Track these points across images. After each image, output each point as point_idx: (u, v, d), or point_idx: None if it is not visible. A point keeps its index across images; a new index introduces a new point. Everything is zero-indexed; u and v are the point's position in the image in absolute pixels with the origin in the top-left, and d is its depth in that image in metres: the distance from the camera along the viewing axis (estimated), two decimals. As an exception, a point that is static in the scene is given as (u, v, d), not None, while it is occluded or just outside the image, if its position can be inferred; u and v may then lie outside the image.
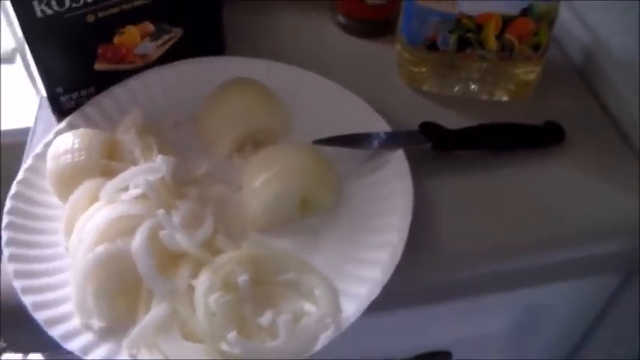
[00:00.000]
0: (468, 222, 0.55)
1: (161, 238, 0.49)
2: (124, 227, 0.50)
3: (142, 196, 0.52)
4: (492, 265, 0.54)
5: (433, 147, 0.57)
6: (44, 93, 0.61)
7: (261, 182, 0.53)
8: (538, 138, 0.59)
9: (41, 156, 0.57)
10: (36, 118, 0.63)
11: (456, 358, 0.65)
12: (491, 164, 0.58)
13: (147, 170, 0.52)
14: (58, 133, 0.58)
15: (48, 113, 0.62)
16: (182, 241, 0.49)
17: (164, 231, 0.49)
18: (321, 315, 0.47)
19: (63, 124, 0.59)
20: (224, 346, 0.45)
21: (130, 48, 0.60)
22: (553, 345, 0.69)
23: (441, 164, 0.58)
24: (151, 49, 0.61)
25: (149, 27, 0.60)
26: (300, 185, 0.53)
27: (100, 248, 0.48)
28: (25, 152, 0.60)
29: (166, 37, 0.61)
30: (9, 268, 0.50)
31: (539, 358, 0.71)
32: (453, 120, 0.59)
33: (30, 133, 0.61)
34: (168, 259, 0.50)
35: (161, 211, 0.50)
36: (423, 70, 0.62)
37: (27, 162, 0.57)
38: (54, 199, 0.56)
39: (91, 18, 0.56)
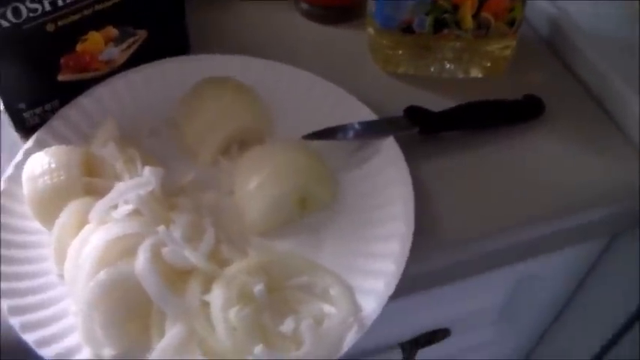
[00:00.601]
0: (464, 202, 0.55)
1: (164, 255, 0.47)
2: (123, 248, 0.47)
3: (134, 213, 0.50)
4: (492, 243, 0.55)
5: (420, 131, 0.57)
6: (3, 110, 0.56)
7: (256, 185, 0.51)
8: (519, 113, 0.60)
9: (13, 178, 0.53)
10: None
11: (454, 333, 0.66)
12: (477, 143, 0.59)
13: (137, 185, 0.50)
14: (28, 152, 0.54)
15: (10, 132, 0.58)
16: (190, 256, 0.47)
17: (166, 248, 0.47)
18: (342, 315, 0.46)
19: (30, 142, 0.55)
20: (250, 360, 0.44)
21: (94, 55, 0.56)
22: (542, 312, 0.71)
23: (428, 147, 0.58)
24: (116, 54, 0.58)
25: (112, 31, 0.56)
26: (296, 184, 0.52)
27: (102, 274, 0.45)
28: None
29: (131, 40, 0.58)
30: (2, 305, 0.47)
31: (528, 326, 0.73)
32: (432, 101, 0.59)
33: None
34: (173, 277, 0.47)
35: (161, 228, 0.47)
36: (399, 52, 0.62)
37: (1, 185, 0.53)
38: (34, 224, 0.52)
39: (50, 27, 0.52)
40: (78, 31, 0.54)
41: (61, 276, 0.49)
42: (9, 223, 0.51)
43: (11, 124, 0.57)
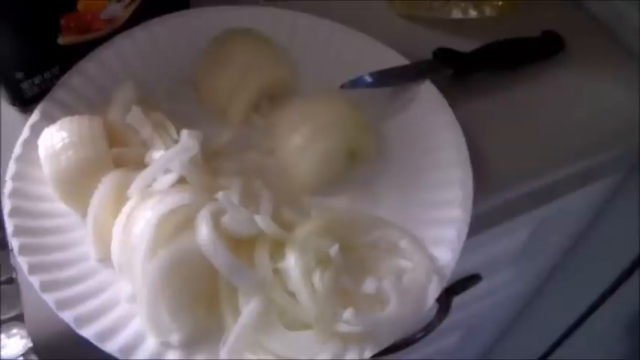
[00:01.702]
0: (505, 143, 0.54)
1: (226, 223, 0.42)
2: (178, 222, 0.42)
3: (178, 182, 0.45)
4: (536, 181, 0.54)
5: (455, 73, 0.55)
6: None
7: (304, 140, 0.48)
8: (542, 49, 0.59)
9: (23, 158, 0.47)
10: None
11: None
12: (505, 82, 0.57)
13: (180, 151, 0.45)
14: (35, 127, 0.48)
15: (5, 106, 0.50)
16: (259, 220, 0.42)
17: (226, 215, 0.43)
18: (421, 268, 0.44)
19: (36, 115, 0.48)
20: (340, 327, 0.41)
21: (95, 13, 0.50)
22: (557, 249, 0.72)
23: (460, 89, 0.55)
24: (118, 10, 0.51)
25: (115, -15, 0.50)
26: (345, 135, 0.48)
27: (163, 253, 0.40)
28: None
29: (133, -6, 0.52)
30: (48, 298, 0.41)
31: (543, 264, 0.73)
32: (450, 43, 0.57)
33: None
34: (232, 248, 0.43)
35: (221, 194, 0.43)
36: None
37: (10, 168, 0.46)
38: (56, 206, 0.46)
39: (50, -18, 0.46)
40: (79, -15, 0.48)
41: (102, 260, 0.44)
42: (28, 208, 0.45)
43: (7, 96, 0.50)
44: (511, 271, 0.73)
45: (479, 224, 0.53)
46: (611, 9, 0.61)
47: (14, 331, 1.08)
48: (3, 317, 1.03)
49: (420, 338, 0.59)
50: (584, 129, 0.56)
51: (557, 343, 0.88)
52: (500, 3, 0.60)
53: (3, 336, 1.07)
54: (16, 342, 1.12)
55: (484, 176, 0.50)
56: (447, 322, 0.59)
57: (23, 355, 1.03)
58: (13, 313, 1.06)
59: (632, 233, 0.66)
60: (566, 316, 0.82)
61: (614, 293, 0.75)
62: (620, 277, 0.71)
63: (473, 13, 0.61)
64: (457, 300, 0.62)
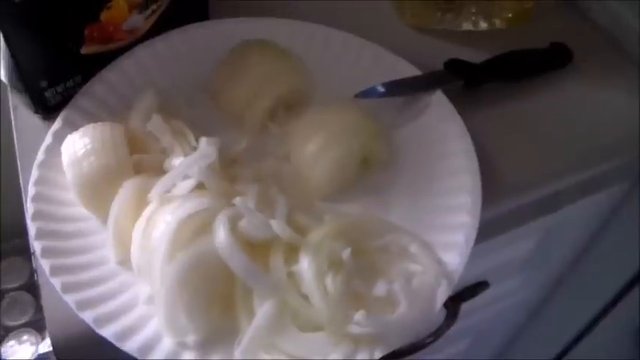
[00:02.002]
0: (513, 152, 0.55)
1: (243, 227, 0.44)
2: (196, 226, 0.44)
3: (197, 188, 0.46)
4: (544, 190, 0.55)
5: (465, 84, 0.56)
6: (18, 90, 0.51)
7: (319, 147, 0.49)
8: (550, 61, 0.60)
9: (46, 164, 0.48)
10: (13, 123, 0.53)
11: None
12: (515, 93, 0.59)
13: (199, 158, 0.46)
14: (57, 134, 0.50)
15: (27, 114, 0.52)
16: (274, 225, 0.44)
17: (244, 220, 0.44)
18: (429, 272, 0.45)
19: (58, 123, 0.50)
20: (351, 328, 0.42)
21: (117, 24, 0.52)
22: (563, 257, 0.73)
23: (470, 99, 0.57)
24: (140, 22, 0.53)
25: (137, -3, 0.52)
26: (358, 143, 0.50)
27: (183, 256, 0.42)
28: (19, 163, 0.50)
29: (154, 6, 0.53)
30: (69, 299, 0.42)
31: (548, 273, 0.74)
32: (460, 54, 0.58)
33: (14, 141, 0.51)
34: (249, 251, 0.45)
35: (238, 199, 0.44)
36: (424, 7, 0.60)
37: (33, 174, 0.48)
38: (78, 211, 0.48)
39: (75, -6, 0.48)
40: (103, -3, 0.49)
41: (122, 263, 0.46)
42: (51, 211, 0.47)
43: (31, 104, 0.51)
44: (518, 279, 0.74)
45: (487, 231, 0.54)
46: (618, 21, 0.62)
47: (25, 337, 1.10)
48: (14, 324, 1.05)
49: (429, 344, 0.60)
50: (592, 139, 0.57)
51: (566, 351, 0.88)
52: (510, 15, 0.62)
53: (14, 342, 1.09)
54: (27, 348, 1.14)
55: (492, 184, 0.52)
56: (455, 328, 0.60)
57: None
58: (24, 320, 1.08)
59: (638, 242, 0.67)
60: (574, 322, 0.82)
61: (622, 301, 0.75)
62: (627, 285, 0.72)
63: (483, 25, 0.62)
64: (465, 306, 0.63)
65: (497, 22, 0.62)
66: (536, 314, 0.87)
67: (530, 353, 0.95)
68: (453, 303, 0.63)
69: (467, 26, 0.62)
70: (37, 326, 1.09)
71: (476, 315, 0.75)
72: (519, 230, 0.60)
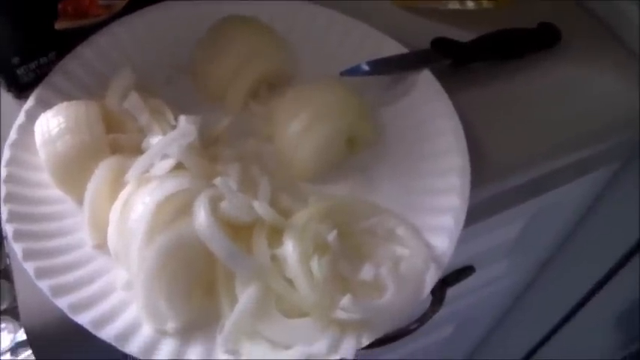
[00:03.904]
0: (502, 132, 0.54)
1: (225, 209, 0.42)
2: (176, 207, 0.42)
3: (176, 168, 0.44)
4: (533, 171, 0.54)
5: (452, 62, 0.54)
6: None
7: (303, 127, 0.47)
8: (539, 41, 0.59)
9: (19, 144, 0.46)
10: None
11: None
12: (502, 73, 0.57)
13: (177, 137, 0.44)
14: (30, 113, 0.47)
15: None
16: (257, 207, 0.42)
17: (225, 201, 0.42)
18: (418, 256, 0.44)
19: (31, 101, 0.48)
20: (338, 314, 0.41)
21: (93, -2, 0.50)
22: (549, 242, 0.72)
23: (458, 79, 0.55)
24: (116, -4, 0.51)
25: (113, -30, 0.50)
26: (344, 122, 0.48)
27: (161, 239, 0.40)
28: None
29: (132, -21, 0.51)
30: (43, 285, 0.41)
31: (535, 257, 0.74)
32: (448, 33, 0.57)
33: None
34: (231, 234, 0.43)
35: (219, 179, 0.42)
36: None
37: (4, 154, 0.46)
38: (53, 192, 0.46)
39: (47, -35, 0.45)
40: (77, -32, 0.47)
41: (98, 247, 0.44)
42: (24, 194, 0.45)
43: (3, 82, 0.49)
44: (504, 263, 0.74)
45: (476, 213, 0.53)
46: (606, 1, 0.61)
47: (3, 325, 1.07)
48: (-8, 311, 1.02)
49: (414, 329, 0.59)
50: (580, 119, 0.56)
51: (550, 335, 0.88)
52: (498, -6, 0.61)
53: (-8, 330, 1.05)
54: (5, 337, 1.12)
55: (482, 165, 0.50)
56: (440, 313, 0.59)
57: (11, 349, 1.03)
58: (1, 308, 1.06)
59: (624, 227, 0.66)
60: (559, 308, 0.82)
61: (606, 286, 0.75)
62: (612, 269, 0.71)
63: (470, 5, 0.61)
64: (451, 292, 0.62)
65: (485, 2, 0.61)
66: (521, 299, 0.86)
67: (514, 338, 0.95)
68: (439, 288, 0.62)
69: (454, 5, 0.61)
70: (15, 313, 1.07)
71: (461, 300, 0.74)
72: (505, 214, 0.59)
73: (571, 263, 0.76)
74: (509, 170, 0.52)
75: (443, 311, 0.58)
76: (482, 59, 0.56)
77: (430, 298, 0.63)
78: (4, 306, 1.08)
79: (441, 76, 0.53)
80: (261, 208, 0.42)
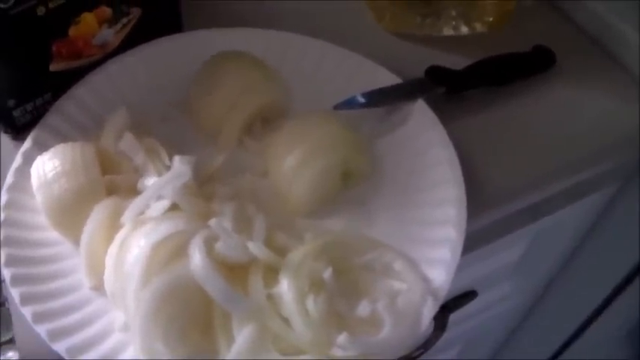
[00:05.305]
0: (499, 159, 0.54)
1: (220, 250, 0.42)
2: (171, 249, 0.42)
3: (171, 209, 0.45)
4: (532, 196, 0.54)
5: (447, 91, 0.55)
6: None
7: (298, 162, 0.47)
8: (534, 64, 0.59)
9: (15, 187, 0.47)
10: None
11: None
12: (498, 98, 0.57)
13: (172, 178, 0.45)
14: (27, 155, 0.48)
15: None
16: (252, 247, 0.42)
17: (220, 242, 0.43)
18: (416, 290, 0.44)
19: (28, 143, 0.48)
20: (335, 351, 0.41)
21: (87, 39, 0.50)
22: (552, 263, 0.72)
23: (453, 107, 0.55)
24: (110, 36, 0.51)
25: (106, 11, 0.50)
26: (339, 156, 0.48)
27: (157, 281, 0.40)
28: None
29: (125, 20, 0.51)
30: (41, 329, 0.41)
31: (538, 278, 0.73)
32: (442, 60, 0.57)
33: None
34: (226, 274, 0.43)
35: (213, 220, 0.43)
36: (403, 11, 0.59)
37: (2, 198, 0.46)
38: (50, 235, 0.46)
39: (41, 10, 0.45)
40: (70, 12, 0.48)
41: (95, 288, 0.44)
42: (23, 236, 0.45)
43: (-1, 124, 0.50)
44: (507, 286, 0.73)
45: (474, 242, 0.53)
46: (600, 22, 0.61)
47: (10, 354, 1.07)
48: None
49: (418, 356, 0.58)
50: (578, 143, 0.56)
51: (557, 354, 0.87)
52: (491, 19, 0.60)
53: (-2, 358, 1.05)
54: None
55: (478, 193, 0.50)
56: (445, 337, 0.58)
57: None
58: (9, 336, 1.05)
59: (626, 246, 0.66)
60: (564, 327, 0.82)
61: (613, 303, 0.74)
62: (617, 288, 0.71)
63: (464, 30, 0.61)
64: (454, 316, 0.62)
65: (479, 26, 0.61)
66: (527, 319, 0.86)
67: (520, 357, 0.94)
68: (441, 315, 0.62)
69: (448, 31, 0.61)
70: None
71: (465, 324, 0.74)
72: (507, 238, 0.59)
73: (576, 282, 0.76)
74: (507, 197, 0.52)
75: (447, 334, 0.58)
76: (477, 86, 0.56)
77: (432, 325, 0.63)
78: (11, 335, 1.08)
79: (435, 105, 0.53)
80: (256, 248, 0.42)
